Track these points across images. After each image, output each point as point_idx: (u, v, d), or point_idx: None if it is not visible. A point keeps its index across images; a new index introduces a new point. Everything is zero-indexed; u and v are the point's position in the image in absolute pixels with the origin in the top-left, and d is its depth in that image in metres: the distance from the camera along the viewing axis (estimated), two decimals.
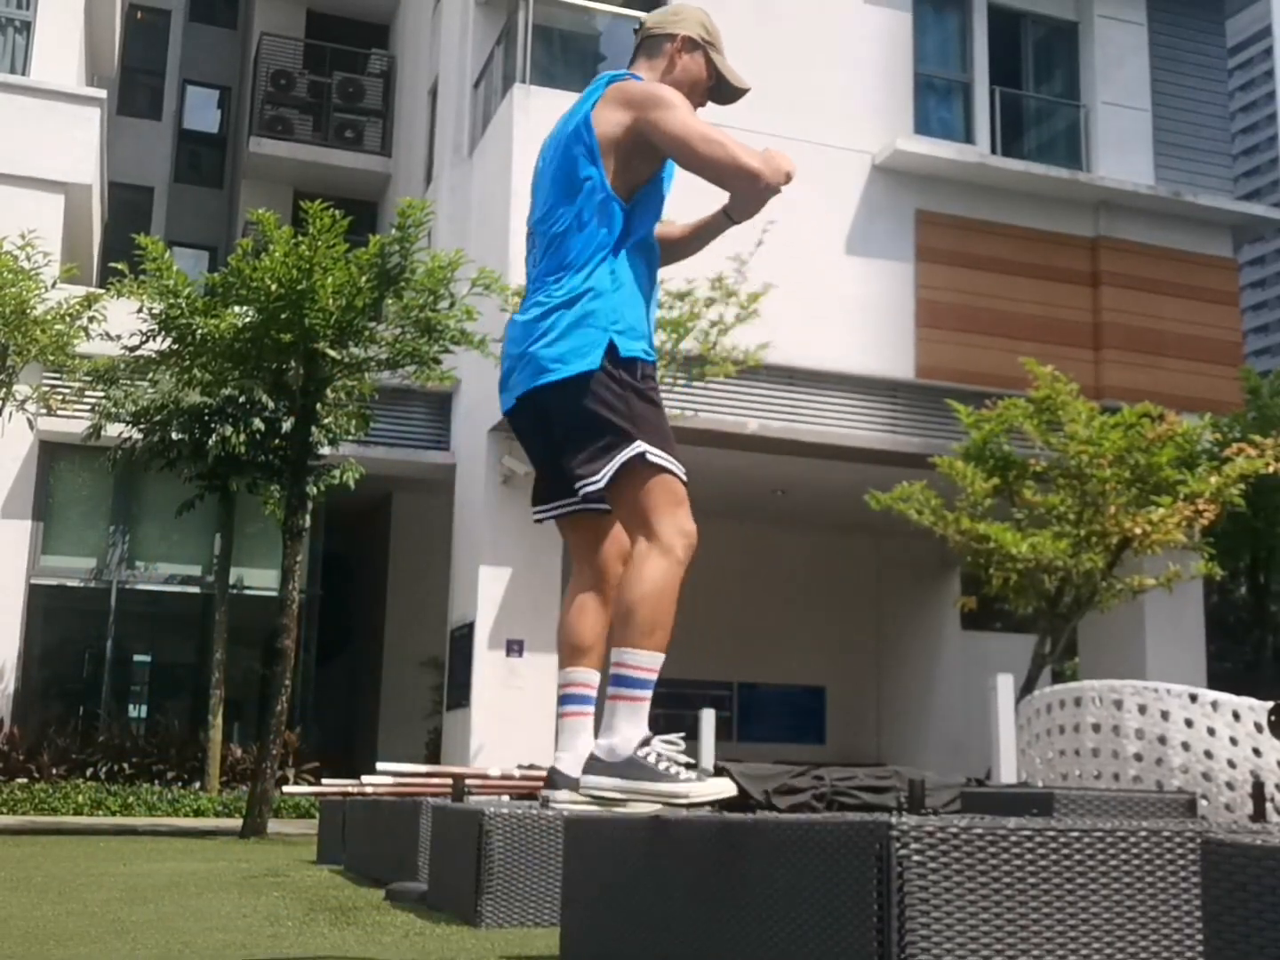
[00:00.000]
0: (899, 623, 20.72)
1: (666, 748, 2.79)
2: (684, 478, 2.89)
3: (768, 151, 2.98)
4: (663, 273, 12.15)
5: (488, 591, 14.05)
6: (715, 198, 3.15)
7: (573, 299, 2.92)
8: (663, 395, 11.60)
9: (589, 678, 2.96)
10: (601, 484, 2.83)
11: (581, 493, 2.89)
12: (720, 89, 3.18)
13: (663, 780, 2.74)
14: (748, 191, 2.97)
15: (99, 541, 15.80)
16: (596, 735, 2.86)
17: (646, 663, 2.77)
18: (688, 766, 2.81)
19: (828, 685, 20.65)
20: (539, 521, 3.10)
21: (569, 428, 2.89)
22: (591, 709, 2.97)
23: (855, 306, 15.35)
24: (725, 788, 2.85)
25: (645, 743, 2.75)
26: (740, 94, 3.20)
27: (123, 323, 12.27)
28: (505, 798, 7.90)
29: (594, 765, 2.79)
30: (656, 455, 2.84)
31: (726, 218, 3.15)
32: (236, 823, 11.94)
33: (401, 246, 11.24)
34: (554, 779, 2.93)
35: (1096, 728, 6.50)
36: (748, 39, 15.62)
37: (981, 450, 13.29)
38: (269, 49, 22.76)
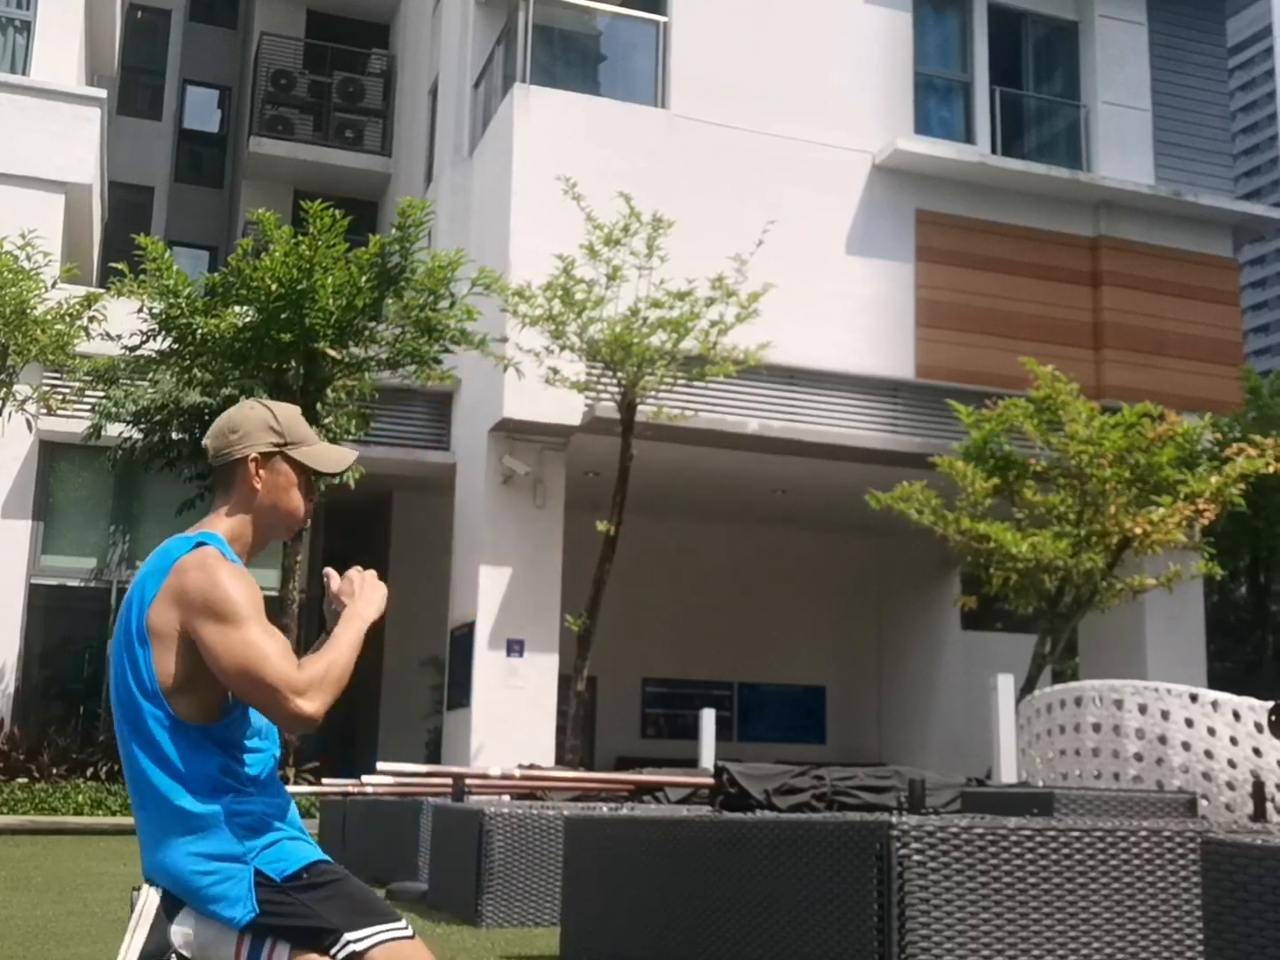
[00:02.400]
0: (899, 622, 20.72)
1: None
2: (408, 933, 2.55)
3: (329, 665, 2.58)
4: (663, 272, 12.23)
5: (488, 591, 14.05)
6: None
7: (182, 846, 2.50)
8: (663, 395, 11.68)
9: None
10: None
11: None
12: (319, 473, 2.79)
13: None
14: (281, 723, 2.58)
15: (99, 541, 15.80)
16: None
17: None
18: None
19: (828, 685, 20.65)
20: None
21: None
22: None
23: (855, 306, 15.35)
24: None
25: None
26: (341, 470, 2.82)
27: (123, 323, 12.27)
28: (505, 798, 7.90)
29: None
30: (364, 939, 2.50)
31: (329, 635, 2.74)
32: None
33: (402, 246, 11.25)
34: None
35: (1097, 727, 6.50)
36: (748, 39, 15.65)
37: (982, 450, 13.28)
38: (269, 49, 22.76)
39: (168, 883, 2.54)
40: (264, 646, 2.53)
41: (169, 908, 2.58)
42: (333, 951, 2.48)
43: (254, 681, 2.50)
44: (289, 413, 2.75)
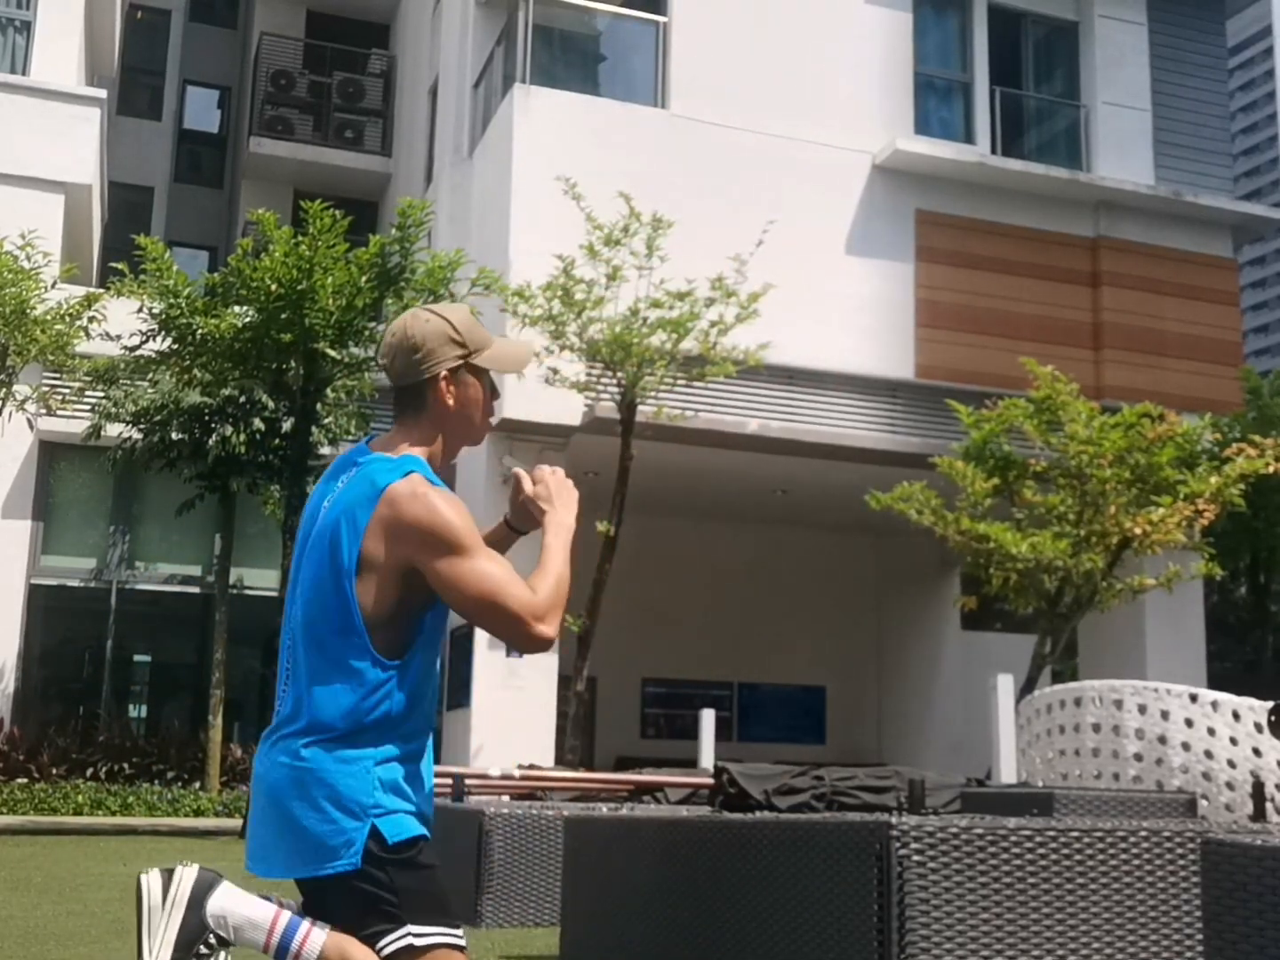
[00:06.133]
0: (899, 622, 20.71)
1: None
2: (463, 943, 2.50)
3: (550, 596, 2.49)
4: (663, 272, 12.22)
5: None
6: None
7: (322, 772, 2.40)
8: (663, 395, 11.66)
9: None
10: None
11: None
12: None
13: None
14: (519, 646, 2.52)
15: (99, 541, 15.80)
16: None
17: None
18: None
19: (828, 685, 20.64)
20: None
21: (327, 913, 2.51)
22: None
23: (855, 306, 15.34)
24: None
25: None
26: (524, 367, 2.76)
27: (123, 323, 12.27)
28: (505, 798, 7.90)
29: None
30: (425, 936, 2.46)
31: (510, 529, 2.78)
32: (236, 822, 11.94)
33: (401, 246, 11.25)
34: None
35: (1096, 728, 6.50)
36: (748, 39, 15.65)
37: (981, 450, 13.29)
38: (269, 49, 22.75)
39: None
40: (498, 575, 2.45)
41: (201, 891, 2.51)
42: (391, 937, 2.41)
43: (496, 610, 2.44)
44: (464, 318, 2.63)
